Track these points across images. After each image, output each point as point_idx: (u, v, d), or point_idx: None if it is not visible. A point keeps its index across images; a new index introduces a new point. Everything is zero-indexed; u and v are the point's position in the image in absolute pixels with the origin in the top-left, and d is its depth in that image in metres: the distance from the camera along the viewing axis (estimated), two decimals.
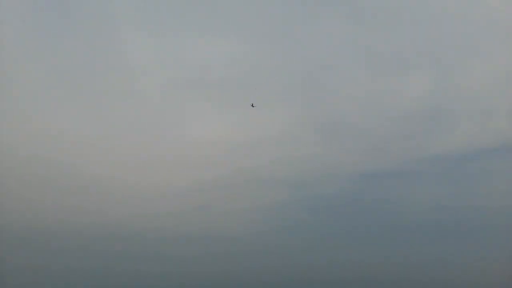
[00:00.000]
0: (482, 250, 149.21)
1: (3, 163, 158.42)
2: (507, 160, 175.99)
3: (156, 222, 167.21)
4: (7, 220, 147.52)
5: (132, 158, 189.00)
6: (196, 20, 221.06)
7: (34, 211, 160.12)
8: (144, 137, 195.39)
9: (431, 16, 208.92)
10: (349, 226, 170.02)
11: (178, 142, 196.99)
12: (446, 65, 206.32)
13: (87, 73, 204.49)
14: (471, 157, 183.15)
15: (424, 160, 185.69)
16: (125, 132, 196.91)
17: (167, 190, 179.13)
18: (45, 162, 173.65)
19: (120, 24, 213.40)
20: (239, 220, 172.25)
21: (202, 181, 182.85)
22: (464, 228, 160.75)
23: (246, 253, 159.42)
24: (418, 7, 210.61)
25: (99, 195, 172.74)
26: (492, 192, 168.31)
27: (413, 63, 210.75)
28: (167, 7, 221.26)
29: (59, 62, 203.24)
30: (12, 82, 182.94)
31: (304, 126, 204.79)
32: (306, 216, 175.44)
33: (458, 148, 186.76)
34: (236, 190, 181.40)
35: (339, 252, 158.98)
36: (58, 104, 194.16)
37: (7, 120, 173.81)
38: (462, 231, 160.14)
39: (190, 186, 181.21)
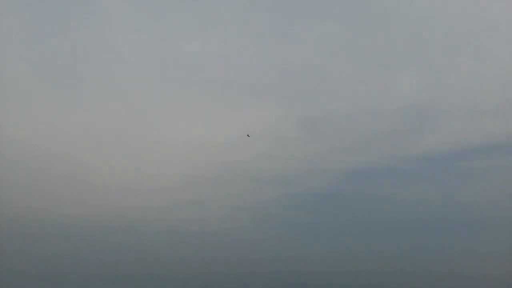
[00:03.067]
0: (469, 244, 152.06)
1: None
2: (493, 158, 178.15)
3: (147, 216, 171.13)
4: (5, 210, 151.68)
5: (123, 154, 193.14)
6: (186, 18, 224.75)
7: (30, 202, 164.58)
8: (133, 134, 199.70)
9: (420, 17, 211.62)
10: (335, 221, 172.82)
11: (166, 138, 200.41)
12: (434, 64, 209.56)
13: (77, 71, 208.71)
14: (458, 154, 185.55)
15: (412, 157, 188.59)
16: (118, 129, 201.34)
17: (158, 186, 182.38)
18: (43, 156, 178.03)
19: (111, 22, 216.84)
20: (225, 215, 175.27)
21: (191, 176, 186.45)
22: (450, 223, 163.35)
23: (233, 246, 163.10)
24: (407, 8, 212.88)
25: (94, 189, 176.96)
26: (479, 188, 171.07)
27: (402, 62, 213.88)
28: (156, 5, 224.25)
29: (48, 60, 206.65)
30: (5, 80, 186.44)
31: (291, 123, 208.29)
32: (292, 211, 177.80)
33: (445, 145, 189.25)
34: (223, 185, 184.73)
35: (325, 245, 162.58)
36: (46, 100, 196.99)
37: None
38: (448, 226, 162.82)
39: (180, 181, 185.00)
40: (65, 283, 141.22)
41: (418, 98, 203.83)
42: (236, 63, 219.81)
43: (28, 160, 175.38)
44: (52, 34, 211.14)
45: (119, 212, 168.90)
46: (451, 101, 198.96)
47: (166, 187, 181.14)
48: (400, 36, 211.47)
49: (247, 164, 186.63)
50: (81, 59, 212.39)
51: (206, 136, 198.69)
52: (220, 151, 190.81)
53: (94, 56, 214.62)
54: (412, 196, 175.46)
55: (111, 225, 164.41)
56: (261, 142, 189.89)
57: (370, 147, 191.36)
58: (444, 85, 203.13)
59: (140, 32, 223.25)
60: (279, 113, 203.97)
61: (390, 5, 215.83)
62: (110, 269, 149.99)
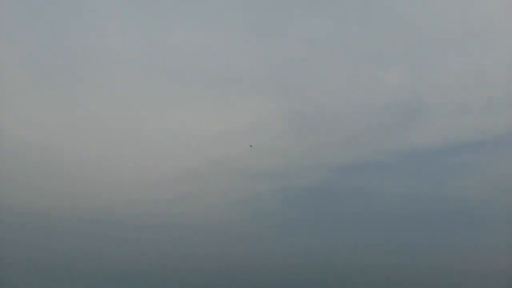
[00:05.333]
0: (455, 238, 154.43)
1: None
2: (480, 154, 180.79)
3: (136, 210, 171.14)
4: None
5: (113, 148, 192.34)
6: (174, 10, 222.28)
7: (21, 194, 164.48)
8: (123, 128, 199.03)
9: (409, 11, 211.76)
10: (325, 217, 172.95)
11: (156, 132, 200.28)
12: (422, 61, 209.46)
13: (65, 61, 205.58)
14: (445, 150, 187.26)
15: (400, 153, 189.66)
16: (106, 122, 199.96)
17: (148, 179, 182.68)
18: (31, 147, 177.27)
19: (99, 12, 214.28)
20: (215, 209, 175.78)
21: (182, 170, 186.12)
22: (438, 218, 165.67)
23: (223, 242, 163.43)
24: (397, 4, 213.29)
25: (84, 181, 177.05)
26: (466, 184, 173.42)
27: (391, 58, 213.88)
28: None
29: (40, 54, 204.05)
30: None
31: (280, 117, 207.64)
32: (282, 206, 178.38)
33: (433, 141, 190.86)
34: (213, 180, 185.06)
35: (316, 241, 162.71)
36: (36, 92, 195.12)
37: None
38: (436, 221, 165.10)
39: (171, 175, 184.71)
40: (55, 276, 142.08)
41: (406, 93, 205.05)
42: (226, 57, 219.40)
43: (22, 154, 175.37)
44: (44, 28, 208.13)
45: (109, 205, 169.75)
46: (440, 97, 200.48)
47: (155, 181, 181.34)
48: (390, 32, 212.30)
49: (237, 158, 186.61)
50: (74, 53, 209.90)
51: (196, 130, 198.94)
52: (210, 146, 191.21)
53: (88, 50, 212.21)
54: (401, 191, 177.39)
55: (102, 219, 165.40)
56: (251, 137, 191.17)
57: (360, 142, 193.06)
58: (432, 81, 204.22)
59: (130, 24, 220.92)
60: (269, 107, 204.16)
61: (379, 0, 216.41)
62: (99, 262, 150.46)
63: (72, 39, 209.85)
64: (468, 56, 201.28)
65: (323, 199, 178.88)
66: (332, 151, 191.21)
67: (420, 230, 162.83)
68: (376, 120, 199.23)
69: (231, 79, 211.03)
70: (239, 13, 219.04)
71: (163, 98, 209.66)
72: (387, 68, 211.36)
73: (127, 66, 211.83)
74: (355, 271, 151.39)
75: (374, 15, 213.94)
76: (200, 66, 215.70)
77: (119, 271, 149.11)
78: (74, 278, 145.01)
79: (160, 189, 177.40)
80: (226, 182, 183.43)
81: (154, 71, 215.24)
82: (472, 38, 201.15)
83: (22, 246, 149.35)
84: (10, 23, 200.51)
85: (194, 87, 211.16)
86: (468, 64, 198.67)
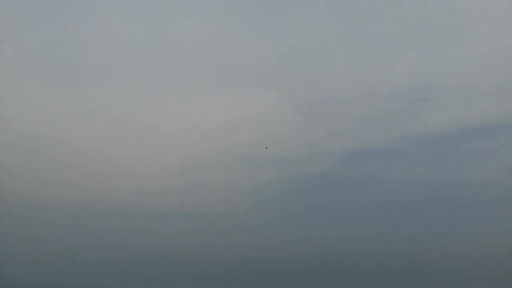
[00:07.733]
0: (466, 224, 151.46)
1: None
2: (492, 138, 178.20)
3: (145, 199, 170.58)
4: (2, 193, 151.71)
5: (119, 139, 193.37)
6: (178, 2, 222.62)
7: (28, 185, 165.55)
8: (129, 119, 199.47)
9: None
10: (335, 204, 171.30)
11: (162, 123, 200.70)
12: (431, 45, 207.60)
13: (71, 56, 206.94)
14: (456, 135, 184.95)
15: (410, 139, 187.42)
16: (113, 114, 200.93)
17: (155, 169, 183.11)
18: (39, 140, 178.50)
19: (104, 5, 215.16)
20: (225, 198, 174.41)
21: (189, 160, 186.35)
22: (449, 204, 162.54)
23: (233, 230, 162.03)
24: None
25: (91, 172, 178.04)
26: (477, 169, 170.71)
27: (400, 44, 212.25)
28: None
29: (39, 43, 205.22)
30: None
31: (288, 106, 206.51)
32: (292, 193, 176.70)
33: (442, 127, 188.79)
34: (223, 169, 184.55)
35: (325, 229, 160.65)
36: (43, 86, 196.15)
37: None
38: (446, 207, 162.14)
39: (178, 165, 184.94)
40: (59, 267, 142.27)
41: (415, 79, 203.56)
42: (232, 47, 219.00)
43: (29, 147, 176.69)
44: (50, 22, 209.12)
45: (116, 196, 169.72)
46: (448, 82, 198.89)
47: (163, 171, 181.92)
48: (398, 19, 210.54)
49: (246, 147, 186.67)
50: (80, 47, 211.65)
51: (203, 120, 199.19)
52: (218, 135, 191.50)
53: (94, 43, 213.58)
54: (410, 177, 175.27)
55: (106, 209, 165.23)
56: (260, 126, 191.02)
57: (368, 129, 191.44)
58: (441, 67, 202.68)
59: (134, 16, 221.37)
60: (277, 96, 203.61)
61: None
62: (104, 253, 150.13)
63: (78, 33, 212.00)
64: (476, 41, 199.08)
65: (332, 187, 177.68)
66: (340, 139, 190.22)
67: (430, 216, 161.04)
68: (385, 107, 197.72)
69: (238, 69, 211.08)
70: (243, 3, 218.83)
71: (169, 90, 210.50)
72: (395, 54, 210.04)
73: (133, 58, 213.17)
74: (364, 259, 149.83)
75: (381, 2, 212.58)
76: (205, 57, 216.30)
77: (126, 261, 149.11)
78: (82, 268, 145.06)
79: (167, 179, 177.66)
80: (234, 172, 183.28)
81: (159, 63, 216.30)
82: (480, 22, 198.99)
83: (29, 237, 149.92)
84: (17, 19, 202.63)
85: (200, 78, 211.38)
86: (477, 49, 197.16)
